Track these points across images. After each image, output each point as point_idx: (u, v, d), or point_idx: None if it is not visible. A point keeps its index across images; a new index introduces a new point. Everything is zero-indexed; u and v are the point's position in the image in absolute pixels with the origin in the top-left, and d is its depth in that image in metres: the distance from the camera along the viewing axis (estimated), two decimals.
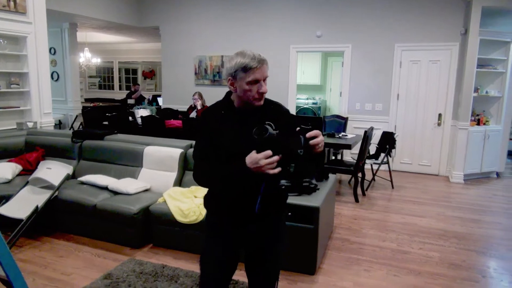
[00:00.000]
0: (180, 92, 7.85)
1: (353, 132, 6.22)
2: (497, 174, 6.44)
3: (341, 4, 6.59)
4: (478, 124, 6.14)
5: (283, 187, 1.52)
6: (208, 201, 1.82)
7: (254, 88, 1.60)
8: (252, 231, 1.76)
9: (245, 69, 1.57)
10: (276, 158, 1.47)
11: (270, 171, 1.47)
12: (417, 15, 6.19)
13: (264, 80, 1.63)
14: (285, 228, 1.93)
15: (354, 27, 6.56)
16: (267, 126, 1.45)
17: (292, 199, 2.95)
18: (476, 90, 6.00)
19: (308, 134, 1.46)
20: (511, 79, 6.18)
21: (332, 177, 3.68)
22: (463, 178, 6.00)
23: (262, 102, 1.67)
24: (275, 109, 1.74)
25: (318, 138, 1.47)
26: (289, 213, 2.91)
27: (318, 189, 3.19)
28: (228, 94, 1.74)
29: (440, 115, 6.27)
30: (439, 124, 6.30)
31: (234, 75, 1.60)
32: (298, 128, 1.54)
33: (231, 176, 1.59)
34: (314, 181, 3.22)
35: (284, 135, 1.48)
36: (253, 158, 1.49)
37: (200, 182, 1.73)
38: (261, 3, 7.10)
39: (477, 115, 6.22)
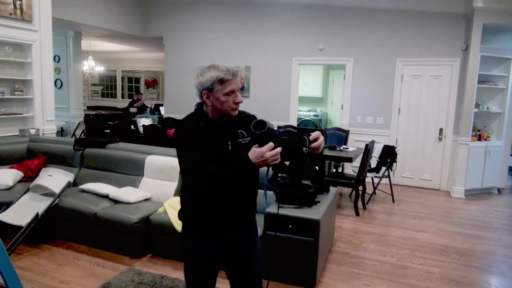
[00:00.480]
0: (183, 101, 7.89)
1: (354, 145, 6.23)
2: (498, 190, 6.43)
3: (343, 18, 6.67)
4: (479, 139, 6.15)
5: (282, 181, 1.61)
6: (188, 211, 1.83)
7: (230, 99, 1.68)
8: (234, 236, 1.82)
9: (222, 81, 1.65)
10: (279, 149, 1.56)
11: (276, 162, 1.56)
12: (418, 30, 6.26)
13: (238, 90, 1.71)
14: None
15: (356, 41, 6.62)
16: (265, 120, 1.53)
17: (293, 212, 2.95)
18: (477, 105, 6.03)
19: (312, 136, 1.58)
20: (511, 95, 6.22)
21: (333, 189, 3.68)
22: (464, 193, 5.99)
23: (237, 112, 1.75)
24: (245, 118, 1.82)
25: (319, 140, 1.60)
26: (290, 226, 2.90)
27: (319, 201, 3.19)
28: (200, 106, 1.80)
29: (441, 129, 6.29)
30: (440, 139, 6.32)
31: (210, 88, 1.67)
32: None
33: (237, 172, 1.63)
34: (310, 183, 3.21)
35: (289, 134, 1.57)
36: (257, 152, 1.56)
37: (202, 186, 1.68)
38: (264, 15, 7.18)
39: (478, 130, 6.23)
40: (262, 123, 1.56)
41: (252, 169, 1.60)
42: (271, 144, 1.55)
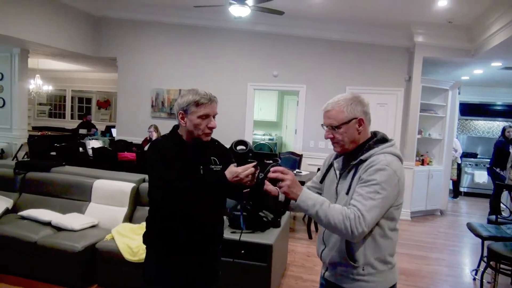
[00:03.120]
0: (135, 123, 7.71)
1: (307, 169, 6.37)
2: (441, 212, 6.81)
3: (296, 47, 6.93)
4: (423, 164, 6.54)
5: (248, 207, 1.61)
6: (154, 235, 1.80)
7: (204, 123, 1.71)
8: (199, 265, 1.81)
9: (197, 104, 1.69)
10: (252, 170, 1.56)
11: (248, 183, 1.57)
12: (366, 60, 6.64)
13: (214, 116, 1.74)
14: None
15: (309, 69, 6.89)
16: (247, 141, 1.54)
17: (245, 237, 2.93)
18: (419, 132, 6.43)
19: (273, 169, 1.48)
20: (450, 123, 6.71)
21: (286, 214, 3.71)
22: (410, 215, 6.28)
23: (209, 138, 1.78)
24: (219, 146, 1.89)
25: (277, 174, 1.45)
26: (242, 251, 2.88)
27: (279, 226, 3.20)
28: (175, 128, 1.82)
29: None
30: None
31: (185, 109, 1.70)
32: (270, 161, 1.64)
33: (211, 188, 1.63)
34: (269, 217, 3.22)
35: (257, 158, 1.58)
36: (233, 171, 1.58)
37: (176, 202, 1.64)
38: (220, 40, 7.30)
39: (421, 155, 6.63)
40: (244, 143, 1.58)
41: (226, 187, 1.59)
42: (247, 166, 1.57)
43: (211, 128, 1.74)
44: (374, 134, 1.62)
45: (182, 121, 1.73)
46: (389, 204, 1.45)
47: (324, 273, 1.66)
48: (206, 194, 1.64)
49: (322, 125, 1.63)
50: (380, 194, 1.40)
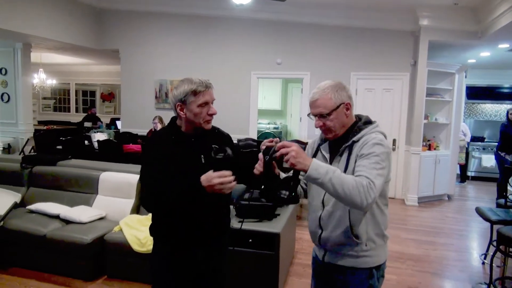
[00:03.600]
0: (140, 115, 7.70)
1: None
2: (448, 196, 6.77)
3: (300, 34, 6.84)
4: (429, 149, 6.48)
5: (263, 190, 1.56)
6: (159, 227, 1.80)
7: (204, 110, 1.69)
8: (205, 259, 1.80)
9: (195, 93, 1.66)
10: (230, 179, 1.53)
11: (224, 191, 1.54)
12: (370, 46, 6.55)
13: (212, 102, 1.72)
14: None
15: (313, 56, 6.81)
16: (226, 148, 1.51)
17: (253, 226, 2.93)
18: (426, 117, 6.36)
19: (278, 145, 1.48)
20: (457, 107, 6.63)
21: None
22: (417, 201, 6.26)
23: (210, 126, 1.76)
24: (219, 133, 1.86)
25: (280, 150, 1.46)
26: (250, 240, 2.88)
27: (278, 214, 3.19)
28: (173, 119, 1.80)
29: (394, 140, 6.56)
30: (393, 149, 6.58)
31: (183, 100, 1.67)
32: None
33: (186, 194, 1.61)
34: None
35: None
36: (208, 176, 1.54)
37: (151, 206, 1.74)
38: (223, 29, 7.22)
39: (428, 140, 6.57)
40: (223, 149, 1.53)
41: (199, 193, 1.56)
42: (223, 172, 1.53)
43: (212, 115, 1.72)
44: (359, 117, 1.68)
45: (182, 112, 1.69)
46: (386, 176, 1.50)
47: (323, 257, 1.69)
48: (179, 200, 1.62)
49: (309, 115, 1.67)
50: (381, 165, 1.46)
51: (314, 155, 1.72)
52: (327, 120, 1.60)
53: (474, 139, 8.73)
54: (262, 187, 1.59)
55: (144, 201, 1.76)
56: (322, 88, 1.60)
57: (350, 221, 1.55)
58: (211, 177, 1.53)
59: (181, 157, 1.70)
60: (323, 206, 1.64)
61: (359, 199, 1.36)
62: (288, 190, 1.56)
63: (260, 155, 1.57)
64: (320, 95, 1.59)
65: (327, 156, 1.66)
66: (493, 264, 3.30)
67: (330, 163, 1.61)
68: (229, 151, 1.52)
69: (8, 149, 7.66)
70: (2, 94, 7.63)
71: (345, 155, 1.58)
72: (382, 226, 1.61)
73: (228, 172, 1.54)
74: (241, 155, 1.92)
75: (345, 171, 1.54)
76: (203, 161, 1.72)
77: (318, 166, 1.40)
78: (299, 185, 1.76)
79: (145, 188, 1.71)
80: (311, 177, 1.40)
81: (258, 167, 1.60)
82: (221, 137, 1.85)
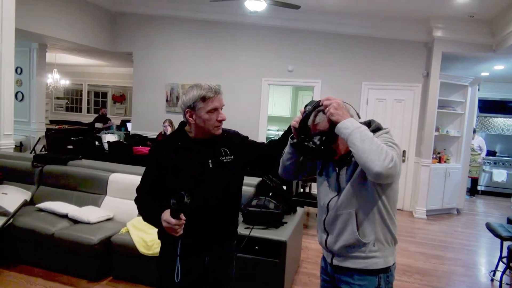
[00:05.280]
0: (151, 118, 7.76)
1: None
2: (457, 210, 6.68)
3: (312, 41, 6.85)
4: (440, 161, 6.41)
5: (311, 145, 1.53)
6: (166, 232, 1.78)
7: (213, 117, 1.69)
8: (211, 262, 1.80)
9: (204, 99, 1.66)
10: (174, 228, 1.57)
11: (173, 234, 1.59)
12: (383, 56, 6.53)
13: (221, 108, 1.73)
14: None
15: (324, 64, 6.81)
16: (185, 196, 1.51)
17: (259, 233, 2.92)
18: (437, 129, 6.30)
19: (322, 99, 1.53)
20: (468, 120, 6.56)
21: (300, 210, 3.69)
22: (425, 213, 6.18)
23: (220, 131, 1.76)
24: (228, 137, 1.85)
25: (326, 101, 1.50)
26: (256, 247, 2.87)
27: (285, 222, 3.18)
28: (182, 125, 1.80)
29: (404, 151, 6.51)
30: (403, 161, 6.53)
31: (192, 106, 1.67)
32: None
33: (149, 216, 1.76)
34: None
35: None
36: (164, 217, 1.60)
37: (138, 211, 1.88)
38: (235, 35, 7.27)
39: (439, 153, 6.50)
40: (180, 197, 1.52)
41: (159, 224, 1.63)
42: (171, 220, 1.56)
43: (221, 121, 1.72)
44: (369, 123, 1.62)
45: (191, 118, 1.69)
46: (400, 165, 1.44)
47: (331, 261, 1.67)
48: (144, 216, 1.80)
49: None
50: (395, 150, 1.43)
51: (325, 161, 1.69)
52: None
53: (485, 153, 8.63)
54: (296, 140, 1.56)
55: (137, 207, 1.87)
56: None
57: (357, 222, 1.54)
58: (163, 218, 1.60)
59: (188, 162, 1.71)
60: (327, 211, 1.63)
61: (382, 159, 1.32)
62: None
63: (301, 108, 1.58)
64: (320, 118, 1.56)
65: (335, 164, 1.63)
66: (503, 282, 3.24)
67: (338, 171, 1.60)
68: (186, 199, 1.51)
69: (20, 147, 7.77)
70: (17, 93, 7.74)
71: (352, 165, 1.55)
72: (391, 228, 1.59)
73: (174, 221, 1.56)
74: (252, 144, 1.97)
75: (349, 180, 1.54)
76: (210, 166, 1.73)
77: (354, 121, 1.43)
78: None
79: (136, 196, 1.84)
80: (344, 127, 1.41)
81: (297, 119, 1.60)
82: (229, 139, 1.83)
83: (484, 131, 9.14)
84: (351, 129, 1.39)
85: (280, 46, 7.05)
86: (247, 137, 1.96)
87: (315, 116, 1.56)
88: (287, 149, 1.70)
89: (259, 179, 3.64)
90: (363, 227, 1.55)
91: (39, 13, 6.32)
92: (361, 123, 1.50)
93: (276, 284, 2.90)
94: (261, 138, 7.10)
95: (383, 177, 1.36)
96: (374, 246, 1.56)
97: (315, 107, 1.55)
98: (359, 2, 5.78)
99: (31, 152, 7.48)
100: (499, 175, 8.34)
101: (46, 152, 6.80)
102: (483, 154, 7.89)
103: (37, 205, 3.71)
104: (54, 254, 3.32)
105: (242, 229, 2.95)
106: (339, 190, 1.60)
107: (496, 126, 9.13)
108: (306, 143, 1.51)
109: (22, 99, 7.92)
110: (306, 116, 1.55)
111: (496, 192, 8.33)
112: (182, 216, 1.58)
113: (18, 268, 3.36)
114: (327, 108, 1.47)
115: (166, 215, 1.59)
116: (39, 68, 7.83)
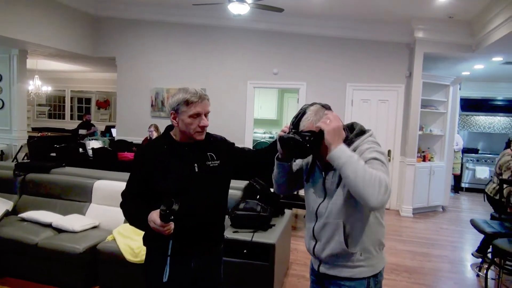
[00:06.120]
0: (136, 123, 7.68)
1: None
2: (443, 208, 6.78)
3: (296, 44, 6.89)
4: (424, 160, 6.51)
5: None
6: (151, 235, 1.76)
7: (195, 122, 1.69)
8: (199, 267, 1.79)
9: (187, 103, 1.66)
10: (160, 229, 1.58)
11: (166, 232, 1.59)
12: (366, 57, 6.61)
13: (206, 115, 1.72)
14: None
15: (309, 66, 6.85)
16: (174, 203, 1.52)
17: (248, 236, 2.91)
18: (421, 128, 6.40)
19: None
20: (451, 119, 6.69)
21: (288, 212, 3.69)
22: (412, 212, 6.26)
23: (203, 137, 1.75)
24: (215, 141, 1.85)
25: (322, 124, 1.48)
26: (244, 250, 2.86)
27: (273, 225, 3.17)
28: (168, 129, 1.81)
29: (389, 151, 6.59)
30: (388, 160, 6.59)
31: (176, 109, 1.69)
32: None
33: (135, 219, 1.79)
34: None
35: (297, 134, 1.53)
36: (150, 216, 1.62)
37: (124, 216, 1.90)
38: (220, 39, 7.26)
39: (423, 152, 6.60)
40: (169, 204, 1.53)
41: (145, 225, 1.64)
42: (160, 224, 1.57)
43: (203, 127, 1.72)
44: (352, 126, 1.64)
45: (174, 121, 1.71)
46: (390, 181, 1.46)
47: (318, 268, 1.67)
48: (129, 219, 1.85)
49: None
50: (384, 167, 1.43)
51: (311, 168, 1.69)
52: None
53: (468, 150, 8.80)
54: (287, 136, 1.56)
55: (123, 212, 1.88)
56: (305, 117, 1.56)
57: (344, 232, 1.53)
58: (150, 219, 1.61)
59: (174, 166, 1.71)
60: (316, 218, 1.63)
61: (377, 191, 1.31)
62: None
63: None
64: (304, 124, 1.54)
65: (321, 169, 1.63)
66: (488, 277, 3.30)
67: (324, 176, 1.60)
68: (175, 206, 1.52)
69: (1, 156, 7.59)
70: None
71: (337, 170, 1.52)
72: (379, 235, 1.59)
73: (161, 222, 1.57)
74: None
75: (338, 185, 1.53)
76: (196, 170, 1.72)
77: (345, 149, 1.41)
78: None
79: (122, 200, 1.85)
80: (337, 154, 1.39)
81: (285, 129, 1.63)
82: (215, 144, 1.84)
83: (466, 129, 9.33)
84: (344, 159, 1.37)
85: (265, 49, 7.07)
86: (233, 144, 1.96)
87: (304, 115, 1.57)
88: (275, 168, 1.71)
89: (246, 182, 3.64)
90: (350, 237, 1.54)
91: (19, 18, 6.19)
92: (344, 125, 1.51)
93: (265, 286, 2.89)
94: (248, 141, 7.09)
95: (379, 208, 1.40)
96: (361, 255, 1.55)
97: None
98: (342, 5, 5.84)
99: (12, 161, 7.31)
100: (482, 172, 8.51)
101: (29, 160, 6.66)
102: (458, 146, 7.99)
103: (19, 215, 3.62)
104: (39, 264, 3.24)
105: (229, 233, 2.94)
106: (325, 195, 1.60)
107: (477, 124, 9.32)
108: (293, 135, 1.52)
109: (3, 106, 7.75)
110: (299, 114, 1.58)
111: (479, 189, 8.45)
112: (172, 224, 1.59)
113: (2, 281, 3.27)
114: (324, 122, 1.46)
115: (153, 215, 1.59)
116: (20, 74, 7.66)
